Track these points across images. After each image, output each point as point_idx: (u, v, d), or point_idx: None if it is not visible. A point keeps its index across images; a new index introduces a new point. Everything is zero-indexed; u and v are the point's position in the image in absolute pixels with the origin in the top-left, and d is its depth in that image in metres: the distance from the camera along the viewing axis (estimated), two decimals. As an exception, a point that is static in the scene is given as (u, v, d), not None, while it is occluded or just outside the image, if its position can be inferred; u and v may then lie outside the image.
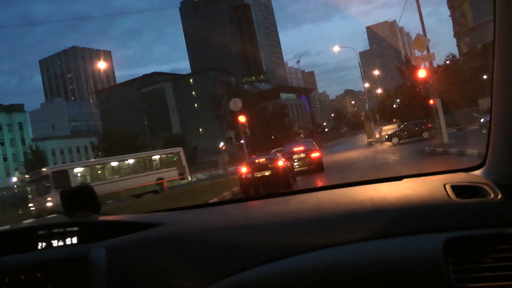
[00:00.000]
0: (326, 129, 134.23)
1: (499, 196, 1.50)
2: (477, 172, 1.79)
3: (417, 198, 1.62)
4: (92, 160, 40.51)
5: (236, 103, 21.49)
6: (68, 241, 1.82)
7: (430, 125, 35.13)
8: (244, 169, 16.35)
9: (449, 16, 67.51)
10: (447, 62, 71.56)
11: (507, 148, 1.50)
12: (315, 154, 20.59)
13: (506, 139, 1.49)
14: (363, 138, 46.05)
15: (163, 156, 35.23)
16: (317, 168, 20.53)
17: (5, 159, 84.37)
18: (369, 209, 1.62)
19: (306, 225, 1.63)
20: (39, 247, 1.82)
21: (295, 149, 21.34)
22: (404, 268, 1.40)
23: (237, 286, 1.51)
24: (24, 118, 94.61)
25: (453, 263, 1.39)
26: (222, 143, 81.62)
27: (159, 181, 31.38)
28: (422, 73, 22.84)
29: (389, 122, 71.47)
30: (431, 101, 45.99)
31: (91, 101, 54.24)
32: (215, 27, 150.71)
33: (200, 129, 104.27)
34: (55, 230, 1.85)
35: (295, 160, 20.35)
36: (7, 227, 2.52)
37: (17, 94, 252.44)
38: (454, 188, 1.63)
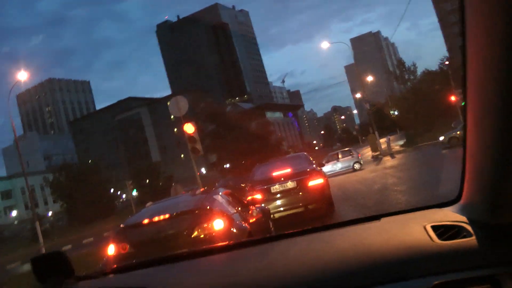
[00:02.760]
0: (316, 147, 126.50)
1: (480, 235, 1.44)
2: (453, 208, 1.74)
3: (398, 241, 1.54)
4: None
5: (178, 105, 12.82)
6: None
7: None
8: (111, 250, 5.73)
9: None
10: (446, 62, 64.54)
11: (482, 183, 1.41)
12: (315, 181, 10.53)
13: (481, 174, 1.40)
14: (363, 153, 38.50)
15: None
16: (322, 208, 10.83)
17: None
18: (351, 256, 1.51)
19: (285, 278, 1.49)
20: None
21: (276, 172, 11.02)
22: None
23: None
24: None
25: None
26: (203, 169, 73.22)
27: None
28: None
29: (387, 133, 63.69)
30: (453, 97, 38.14)
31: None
32: (193, 49, 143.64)
33: (182, 155, 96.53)
34: None
35: (277, 196, 10.56)
36: None
37: (3, 132, 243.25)
38: (434, 228, 1.58)
